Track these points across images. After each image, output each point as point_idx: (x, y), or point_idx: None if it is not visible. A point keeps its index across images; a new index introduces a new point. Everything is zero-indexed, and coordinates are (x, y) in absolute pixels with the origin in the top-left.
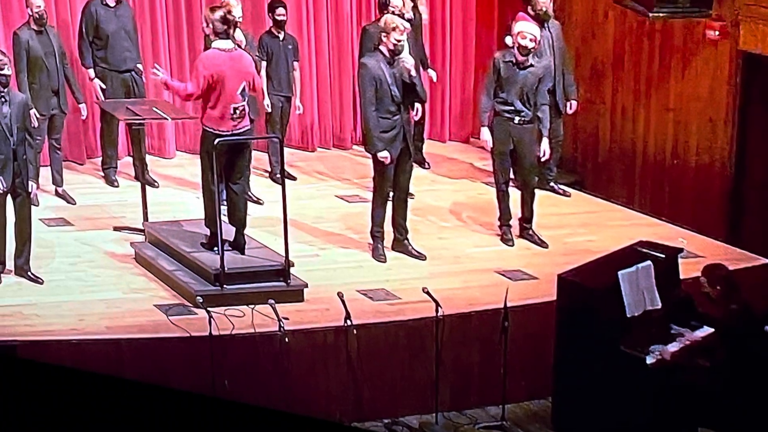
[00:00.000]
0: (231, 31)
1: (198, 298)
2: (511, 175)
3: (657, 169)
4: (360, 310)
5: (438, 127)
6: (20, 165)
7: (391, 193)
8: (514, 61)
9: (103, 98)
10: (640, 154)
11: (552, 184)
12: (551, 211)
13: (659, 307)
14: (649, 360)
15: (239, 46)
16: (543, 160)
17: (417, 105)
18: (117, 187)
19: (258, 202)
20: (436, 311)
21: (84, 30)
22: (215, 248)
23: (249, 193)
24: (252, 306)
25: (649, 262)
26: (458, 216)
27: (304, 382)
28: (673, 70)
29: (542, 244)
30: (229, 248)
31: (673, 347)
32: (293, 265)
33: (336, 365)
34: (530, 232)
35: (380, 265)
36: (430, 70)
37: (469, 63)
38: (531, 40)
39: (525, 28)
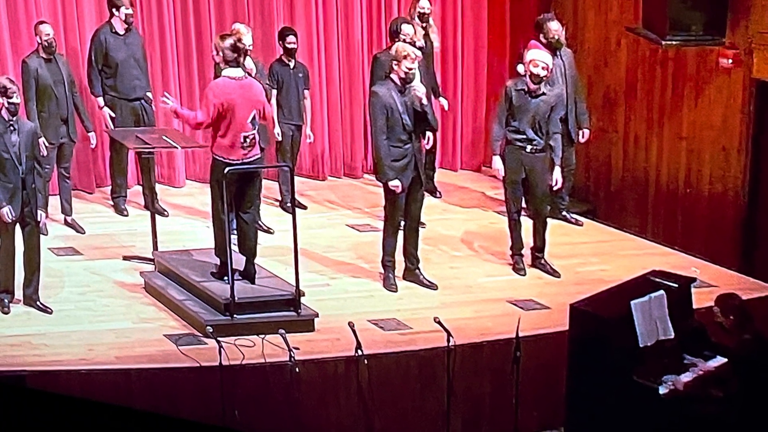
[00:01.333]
0: (241, 59)
1: (208, 327)
2: (523, 204)
3: (670, 198)
4: (371, 339)
5: (449, 155)
6: (29, 194)
7: (403, 222)
8: (526, 89)
9: (112, 127)
10: (652, 183)
11: (564, 213)
12: (563, 240)
13: (672, 336)
14: (662, 390)
15: (249, 75)
16: (555, 188)
17: (428, 133)
18: (126, 216)
19: (268, 231)
20: (448, 341)
21: (93, 58)
22: (225, 278)
23: (259, 222)
24: (262, 336)
25: (662, 292)
26: (470, 245)
27: (314, 412)
28: (686, 98)
29: (554, 273)
30: (240, 278)
31: (686, 377)
32: (304, 295)
33: (347, 395)
34: (542, 261)
35: (391, 295)
36: (441, 99)
37: (480, 91)
38: (543, 68)
39: (537, 56)
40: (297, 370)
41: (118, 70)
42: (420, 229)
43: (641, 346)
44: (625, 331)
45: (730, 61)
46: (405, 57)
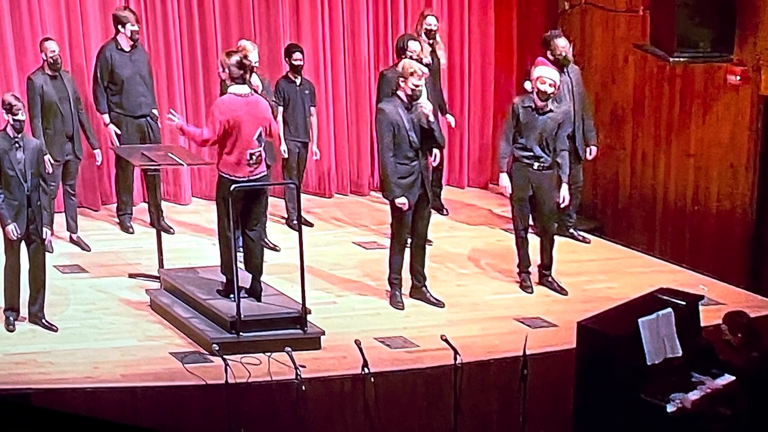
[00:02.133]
0: (247, 76)
1: (214, 345)
2: (531, 222)
3: (677, 215)
4: (378, 357)
5: (456, 172)
6: (34, 211)
7: (409, 240)
8: (534, 106)
9: (118, 144)
10: (660, 200)
11: (572, 230)
12: (571, 258)
13: (680, 354)
14: (670, 408)
15: (256, 91)
16: (562, 206)
17: (435, 150)
18: (132, 233)
19: (274, 248)
20: (455, 359)
21: (99, 75)
22: (231, 295)
23: (265, 240)
24: (268, 354)
25: (669, 310)
26: (477, 263)
27: (321, 430)
28: (694, 115)
29: (562, 291)
30: (246, 295)
31: (694, 395)
32: (310, 313)
33: (353, 413)
34: (550, 279)
35: (398, 313)
36: (448, 116)
37: (487, 108)
38: (550, 85)
39: (544, 73)
40: (303, 388)
41: (124, 87)
42: (427, 246)
43: (649, 363)
44: (633, 348)
45: (738, 77)
46: (412, 74)
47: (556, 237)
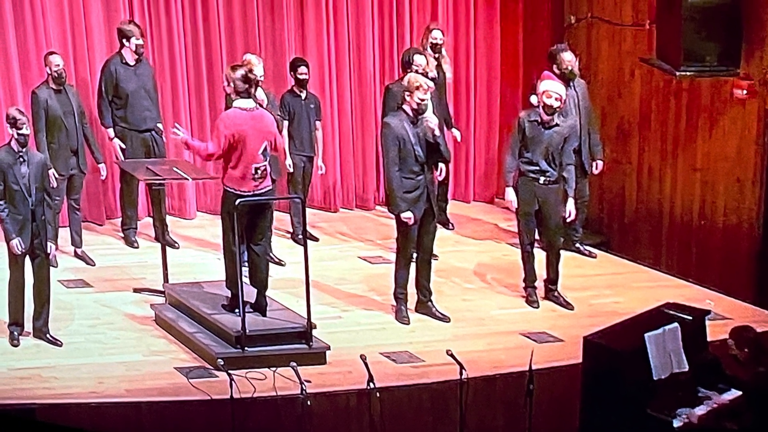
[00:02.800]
0: (252, 90)
1: (219, 360)
2: (537, 236)
3: (684, 229)
4: (383, 372)
5: (462, 187)
6: (39, 226)
7: (415, 255)
8: (540, 120)
9: (122, 158)
10: (666, 215)
11: (578, 245)
12: (577, 273)
13: (686, 369)
14: (677, 423)
15: (261, 106)
16: (569, 220)
17: (441, 165)
18: (137, 248)
19: (280, 263)
20: (461, 374)
21: (103, 89)
22: (236, 310)
23: (271, 254)
24: (274, 369)
25: (676, 324)
26: (483, 277)
27: None
28: (701, 129)
29: (568, 305)
30: (251, 310)
31: (700, 410)
32: (315, 327)
33: (359, 429)
34: (556, 293)
35: (404, 327)
36: (454, 130)
37: (493, 122)
38: (556, 99)
39: (550, 87)
40: (309, 403)
41: (129, 101)
42: (432, 261)
43: (655, 379)
44: (639, 363)
45: (745, 92)
46: (417, 88)
47: (562, 251)
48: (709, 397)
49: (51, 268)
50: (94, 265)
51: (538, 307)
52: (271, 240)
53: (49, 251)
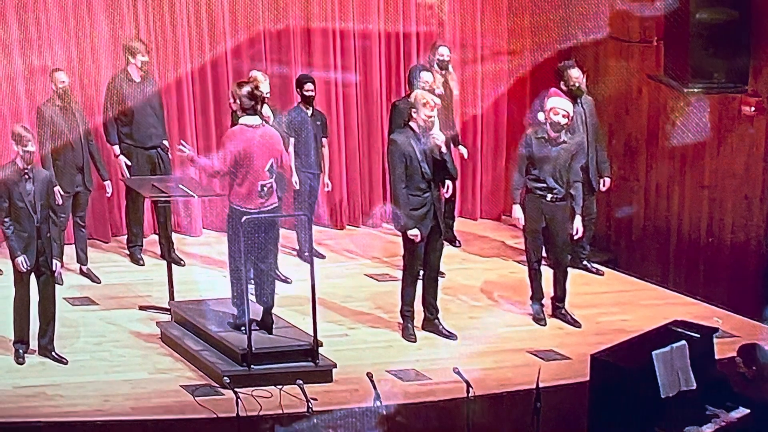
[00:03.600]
0: (258, 106)
1: (225, 378)
2: (544, 254)
3: (692, 247)
4: (390, 390)
5: (469, 204)
6: (44, 243)
7: (422, 272)
8: (547, 137)
9: (128, 175)
10: (674, 232)
11: (585, 262)
12: (584, 290)
13: (694, 387)
14: None
15: (267, 122)
16: (576, 238)
17: (448, 182)
18: (142, 265)
19: (286, 280)
20: (467, 392)
21: (109, 106)
22: (242, 328)
23: (277, 272)
24: (280, 386)
25: (683, 342)
26: (490, 295)
27: None
28: (708, 146)
29: (575, 323)
30: (257, 328)
31: (708, 428)
32: (322, 345)
33: None
34: (563, 311)
35: (410, 345)
36: (461, 147)
37: (500, 139)
38: (564, 116)
39: (558, 104)
40: (315, 420)
41: (134, 118)
42: (439, 278)
43: (663, 396)
44: (647, 381)
45: (753, 108)
46: (424, 104)
47: (569, 269)
48: (717, 415)
49: (56, 285)
50: (100, 282)
51: (545, 324)
52: (277, 257)
53: (54, 269)
